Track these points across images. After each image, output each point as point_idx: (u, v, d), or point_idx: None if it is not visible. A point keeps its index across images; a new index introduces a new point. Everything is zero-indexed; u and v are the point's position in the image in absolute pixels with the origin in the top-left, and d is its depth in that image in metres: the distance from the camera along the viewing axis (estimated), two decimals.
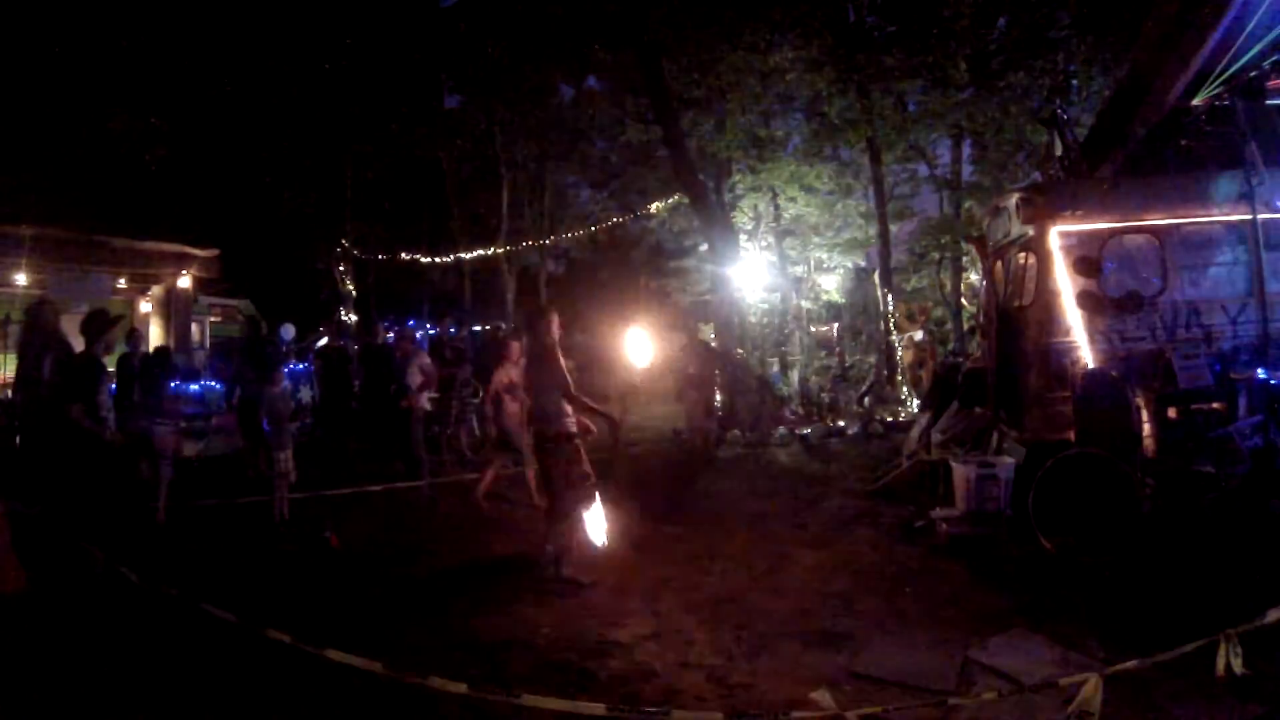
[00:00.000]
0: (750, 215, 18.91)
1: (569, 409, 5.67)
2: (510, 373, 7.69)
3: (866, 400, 14.96)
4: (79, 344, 5.86)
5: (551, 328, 5.78)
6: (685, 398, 11.22)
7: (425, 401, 8.65)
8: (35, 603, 4.96)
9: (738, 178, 18.32)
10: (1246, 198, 6.63)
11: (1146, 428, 6.26)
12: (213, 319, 20.01)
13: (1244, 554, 5.13)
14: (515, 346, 7.77)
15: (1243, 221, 6.73)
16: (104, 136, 15.97)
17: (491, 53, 19.06)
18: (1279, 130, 6.99)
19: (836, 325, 21.45)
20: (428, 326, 24.88)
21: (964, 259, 17.82)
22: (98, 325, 5.68)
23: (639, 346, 8.22)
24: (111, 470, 5.59)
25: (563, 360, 5.73)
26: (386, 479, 8.88)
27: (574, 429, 5.66)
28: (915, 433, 9.17)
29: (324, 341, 16.31)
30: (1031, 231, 7.13)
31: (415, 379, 8.53)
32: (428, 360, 9.22)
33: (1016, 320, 7.54)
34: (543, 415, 5.68)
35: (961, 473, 6.40)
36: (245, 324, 18.76)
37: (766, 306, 19.17)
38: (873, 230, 17.85)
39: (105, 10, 15.77)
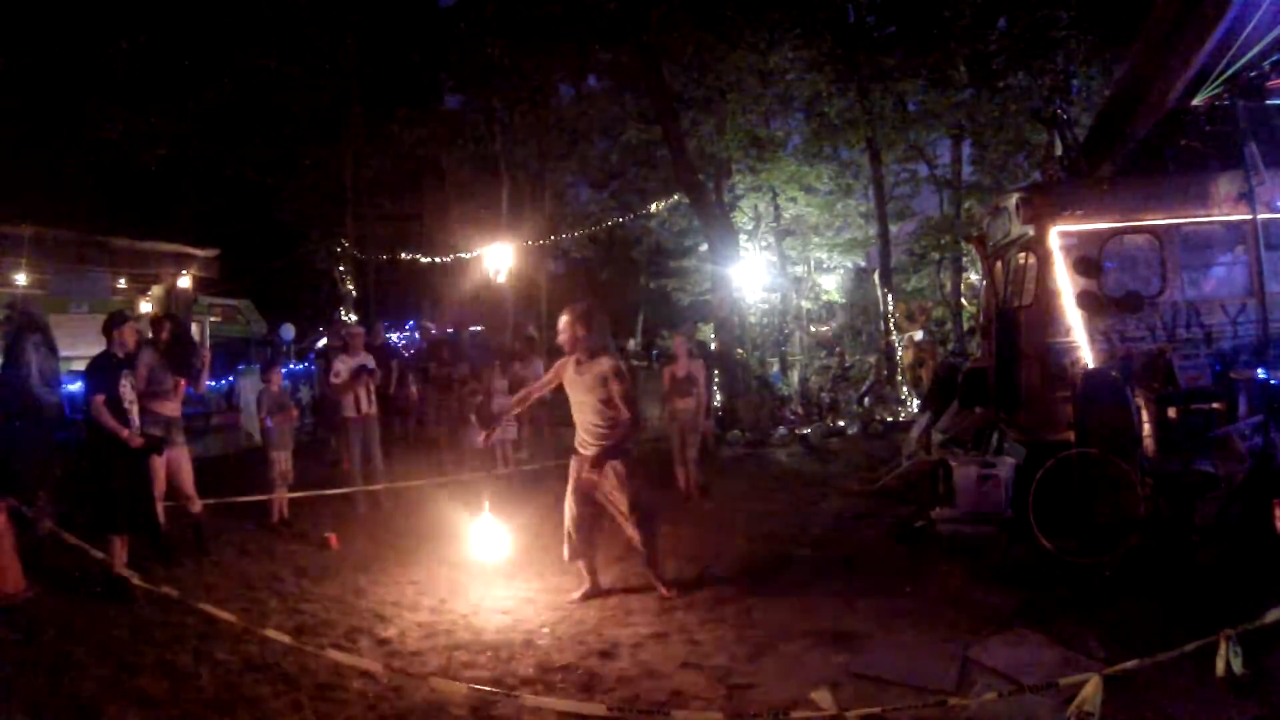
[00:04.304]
0: (750, 215, 18.91)
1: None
2: (678, 370, 8.70)
3: (866, 400, 14.97)
4: (78, 343, 5.93)
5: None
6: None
7: (361, 404, 8.15)
8: (35, 605, 4.98)
9: (738, 178, 18.32)
10: (1246, 198, 6.62)
11: (1146, 428, 6.26)
12: (213, 319, 20.04)
13: (1244, 554, 5.13)
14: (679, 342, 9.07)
15: (1243, 221, 6.73)
16: (104, 137, 15.97)
17: (491, 53, 19.05)
18: (1279, 130, 6.99)
19: (836, 325, 21.46)
20: (428, 326, 24.89)
21: (964, 259, 17.82)
22: (109, 325, 5.81)
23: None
24: (123, 468, 5.60)
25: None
26: (387, 478, 8.87)
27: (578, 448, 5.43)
28: (915, 433, 9.17)
29: (324, 342, 16.33)
30: (1031, 231, 7.12)
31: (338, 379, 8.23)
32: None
33: (1016, 320, 7.54)
34: None
35: (961, 473, 6.40)
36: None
37: (766, 306, 19.17)
38: (873, 230, 17.88)
39: (105, 10, 15.78)
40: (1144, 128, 7.15)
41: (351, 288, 21.68)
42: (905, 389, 15.08)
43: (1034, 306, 7.12)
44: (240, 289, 22.04)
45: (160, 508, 6.35)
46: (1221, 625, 3.33)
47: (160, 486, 6.35)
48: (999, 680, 3.93)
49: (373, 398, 8.23)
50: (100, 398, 5.48)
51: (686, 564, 6.19)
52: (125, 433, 5.53)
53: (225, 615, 4.31)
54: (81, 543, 5.09)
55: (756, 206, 18.79)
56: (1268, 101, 6.88)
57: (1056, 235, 6.93)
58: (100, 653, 4.37)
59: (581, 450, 5.33)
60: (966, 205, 17.66)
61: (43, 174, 15.09)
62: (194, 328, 16.14)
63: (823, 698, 3.79)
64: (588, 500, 5.34)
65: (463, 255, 22.77)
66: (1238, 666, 3.27)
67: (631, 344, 20.51)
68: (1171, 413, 6.29)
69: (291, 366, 15.85)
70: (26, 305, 7.55)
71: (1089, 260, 6.84)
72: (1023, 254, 7.62)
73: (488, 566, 6.10)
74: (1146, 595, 4.94)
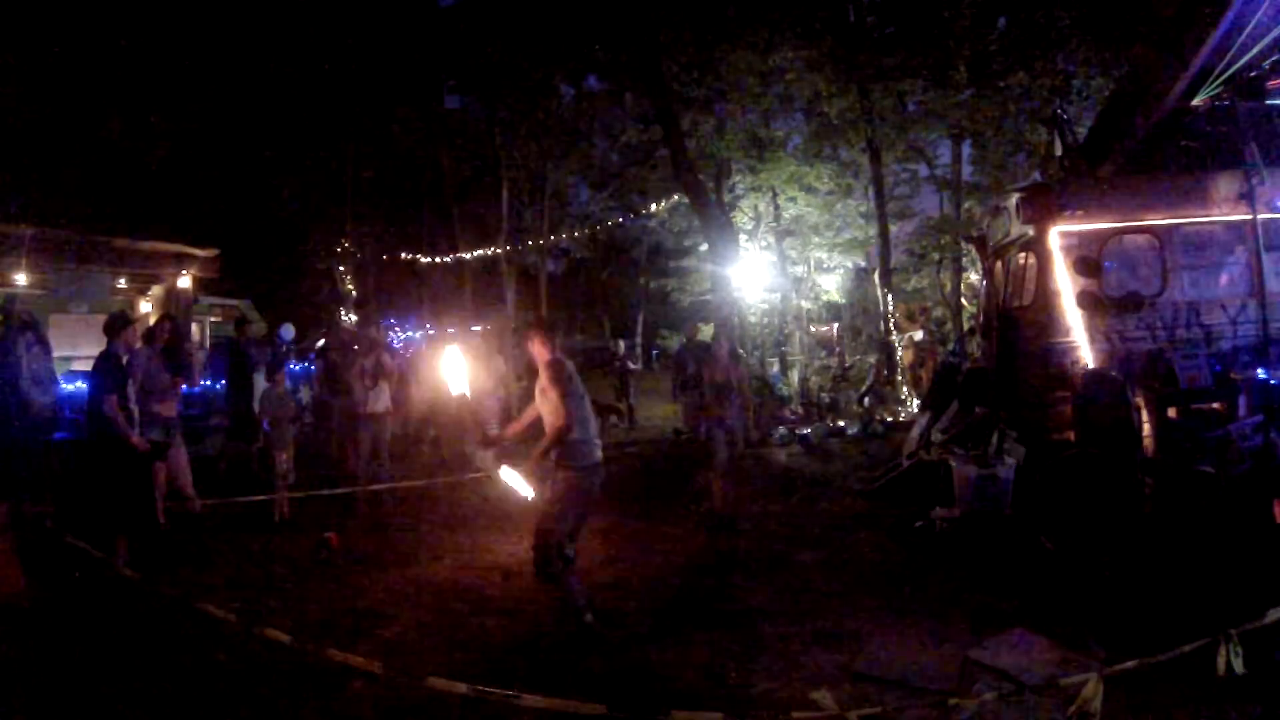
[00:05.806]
0: (750, 215, 18.92)
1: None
2: (716, 373, 7.48)
3: (866, 400, 14.96)
4: (78, 343, 5.91)
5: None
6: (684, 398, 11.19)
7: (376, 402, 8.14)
8: (35, 605, 4.97)
9: (738, 178, 18.33)
10: (1246, 198, 6.63)
11: (1146, 428, 6.26)
12: (213, 319, 20.02)
13: (1244, 554, 5.13)
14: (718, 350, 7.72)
15: (1243, 221, 6.73)
16: (104, 136, 15.97)
17: (491, 53, 19.05)
18: (1279, 130, 7.00)
19: (836, 325, 21.45)
20: (427, 326, 24.89)
21: (964, 259, 17.83)
22: (116, 325, 5.77)
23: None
24: (125, 470, 5.57)
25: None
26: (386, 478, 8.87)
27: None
28: (915, 433, 9.16)
29: (324, 341, 16.30)
30: (1031, 231, 7.13)
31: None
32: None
33: (1016, 320, 7.54)
34: None
35: (961, 473, 6.40)
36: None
37: (766, 306, 19.18)
38: (873, 230, 17.89)
39: (106, 10, 15.78)
40: (1144, 128, 7.15)
41: (351, 288, 21.69)
42: (905, 389, 15.08)
43: (1034, 307, 7.12)
44: (240, 289, 22.05)
45: (160, 508, 6.35)
46: (1221, 625, 3.32)
47: (160, 487, 6.35)
48: (999, 680, 3.91)
49: (383, 395, 8.21)
50: (113, 398, 5.45)
51: (686, 564, 6.19)
52: (134, 437, 5.50)
53: (225, 615, 4.30)
54: (81, 543, 5.08)
55: (756, 206, 18.80)
56: (1268, 101, 6.88)
57: (1056, 235, 6.93)
58: (100, 653, 4.37)
59: None
60: (966, 205, 17.67)
61: (43, 174, 15.08)
62: (194, 328, 16.18)
63: (823, 698, 3.79)
64: None
65: (463, 255, 22.80)
66: (1238, 666, 3.26)
67: (622, 346, 20.35)
68: (1171, 413, 6.29)
69: (291, 366, 15.82)
70: (14, 305, 7.50)
71: (1089, 260, 6.85)
72: (1023, 254, 7.62)
73: (491, 564, 6.10)
74: (1146, 595, 4.94)
